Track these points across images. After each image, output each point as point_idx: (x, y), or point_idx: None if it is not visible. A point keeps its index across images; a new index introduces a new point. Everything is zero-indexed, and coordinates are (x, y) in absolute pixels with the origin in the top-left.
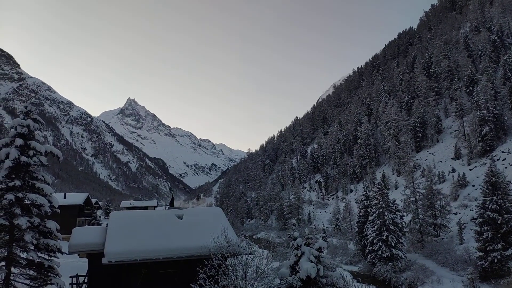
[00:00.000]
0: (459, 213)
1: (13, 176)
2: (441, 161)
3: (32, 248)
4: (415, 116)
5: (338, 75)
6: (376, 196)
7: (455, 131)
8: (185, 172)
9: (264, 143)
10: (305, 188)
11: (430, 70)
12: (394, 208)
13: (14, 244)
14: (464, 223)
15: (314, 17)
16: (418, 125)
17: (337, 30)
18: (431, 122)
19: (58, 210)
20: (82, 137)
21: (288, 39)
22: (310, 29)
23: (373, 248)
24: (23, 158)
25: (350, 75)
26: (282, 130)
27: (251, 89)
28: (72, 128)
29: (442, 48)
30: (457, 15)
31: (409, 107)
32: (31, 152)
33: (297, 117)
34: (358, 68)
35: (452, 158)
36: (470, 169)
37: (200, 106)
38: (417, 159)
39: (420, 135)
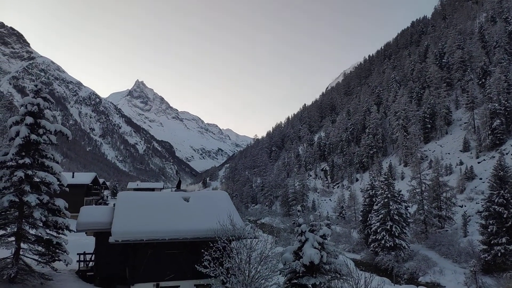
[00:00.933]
0: (465, 206)
1: (23, 153)
2: (449, 153)
3: (41, 225)
4: (425, 107)
5: (348, 62)
6: (382, 186)
7: (465, 123)
8: (192, 156)
9: (271, 129)
10: (311, 175)
11: (443, 60)
12: (399, 198)
13: (23, 221)
14: (469, 216)
15: (326, 2)
16: (428, 116)
17: (349, 17)
18: (441, 114)
19: (67, 189)
20: (90, 117)
21: (298, 25)
22: (321, 15)
23: (377, 237)
24: (33, 136)
25: (360, 63)
26: (290, 117)
27: (260, 75)
28: (80, 108)
29: (456, 38)
30: (473, 5)
31: (419, 98)
32: (41, 131)
33: (305, 104)
34: (369, 56)
35: (461, 151)
36: (478, 162)
37: (208, 91)
38: (425, 150)
39: (429, 126)
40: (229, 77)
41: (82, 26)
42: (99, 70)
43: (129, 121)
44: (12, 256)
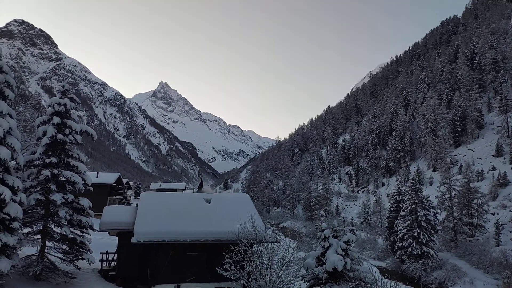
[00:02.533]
0: (497, 214)
1: (50, 153)
2: (480, 158)
3: (66, 223)
4: (455, 110)
5: (374, 63)
6: (409, 191)
7: (498, 127)
8: (214, 157)
9: (293, 131)
10: (334, 179)
11: (474, 61)
12: (427, 204)
13: (49, 219)
14: (502, 224)
15: (353, 1)
16: (458, 119)
17: (376, 17)
18: (472, 117)
19: (91, 188)
20: (115, 118)
21: (323, 24)
22: (347, 14)
23: (403, 244)
24: (60, 136)
25: (387, 63)
26: (313, 119)
27: (283, 76)
28: (105, 108)
29: (489, 38)
30: (507, 3)
31: (449, 100)
32: (67, 131)
33: (329, 105)
34: (396, 56)
35: (493, 156)
36: None
37: (231, 92)
38: (454, 155)
39: (460, 129)
40: (252, 78)
41: (108, 29)
42: (124, 71)
43: (152, 122)
44: (37, 254)
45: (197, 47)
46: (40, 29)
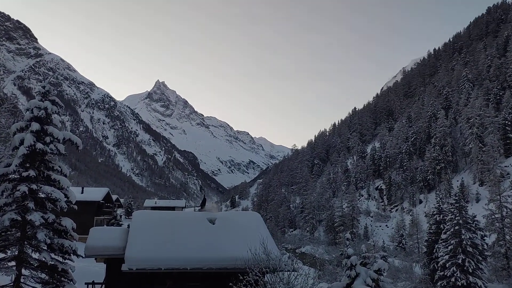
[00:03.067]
0: None
1: (28, 165)
2: None
3: (45, 248)
4: (505, 112)
5: (408, 57)
6: (452, 210)
7: None
8: (219, 169)
9: (313, 138)
10: (362, 195)
11: None
12: (473, 225)
13: (25, 243)
14: None
15: None
16: (509, 123)
17: (409, 3)
18: None
19: (75, 207)
20: (103, 123)
21: (346, 12)
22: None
23: (445, 273)
24: (39, 145)
25: (424, 58)
26: (336, 124)
27: (299, 74)
28: (92, 113)
29: None
30: None
31: (498, 101)
32: (47, 139)
33: (355, 108)
34: (434, 50)
35: None
36: None
37: (238, 94)
38: (505, 166)
39: (511, 136)
40: (262, 77)
41: (96, 22)
42: (114, 69)
43: (147, 128)
44: (11, 284)
45: (199, 43)
46: (17, 21)
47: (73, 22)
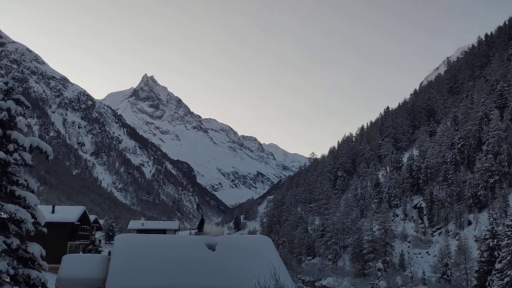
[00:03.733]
0: None
1: None
2: None
3: (8, 280)
4: None
5: (454, 45)
6: (509, 234)
7: None
8: (219, 183)
9: (335, 145)
10: (397, 215)
11: None
12: None
13: None
14: None
15: None
16: None
17: None
18: None
19: (45, 229)
20: (79, 127)
21: None
22: None
23: None
24: (1, 154)
25: (473, 46)
26: (365, 127)
27: (318, 67)
28: (66, 114)
29: None
30: None
31: None
32: (11, 146)
33: (388, 108)
34: (486, 35)
35: None
36: None
37: (243, 91)
38: None
39: None
40: (272, 71)
41: (68, 2)
42: (92, 62)
43: (132, 133)
44: None
45: (194, 30)
46: None
47: (42, 5)
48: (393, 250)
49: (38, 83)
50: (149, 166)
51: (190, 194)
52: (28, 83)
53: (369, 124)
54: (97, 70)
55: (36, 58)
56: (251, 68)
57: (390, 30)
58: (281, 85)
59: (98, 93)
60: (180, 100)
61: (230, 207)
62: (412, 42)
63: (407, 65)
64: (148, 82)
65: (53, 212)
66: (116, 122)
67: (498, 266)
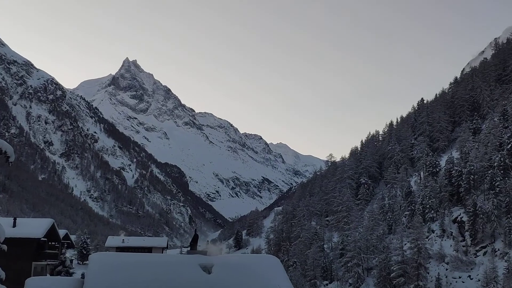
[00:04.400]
0: None
1: None
2: None
3: None
4: None
5: (502, 25)
6: None
7: None
8: (217, 191)
9: (358, 145)
10: (433, 231)
11: None
12: None
13: None
14: None
15: None
16: None
17: None
18: None
19: (4, 247)
20: (46, 123)
21: None
22: None
23: None
24: None
25: None
26: (394, 124)
27: (336, 53)
28: (30, 107)
29: None
30: None
31: None
32: None
33: (422, 100)
34: None
35: None
36: None
37: (245, 80)
38: None
39: None
40: (281, 57)
41: None
42: (62, 44)
43: (111, 130)
44: None
45: (187, 6)
46: None
47: None
48: (428, 273)
49: None
50: (131, 170)
51: (181, 204)
52: None
53: (399, 120)
54: (68, 53)
55: None
56: (255, 53)
57: (422, 5)
58: (290, 74)
59: (69, 81)
60: (169, 90)
61: (230, 220)
62: (451, 21)
63: (446, 49)
64: (130, 68)
65: (14, 225)
66: (91, 117)
67: None
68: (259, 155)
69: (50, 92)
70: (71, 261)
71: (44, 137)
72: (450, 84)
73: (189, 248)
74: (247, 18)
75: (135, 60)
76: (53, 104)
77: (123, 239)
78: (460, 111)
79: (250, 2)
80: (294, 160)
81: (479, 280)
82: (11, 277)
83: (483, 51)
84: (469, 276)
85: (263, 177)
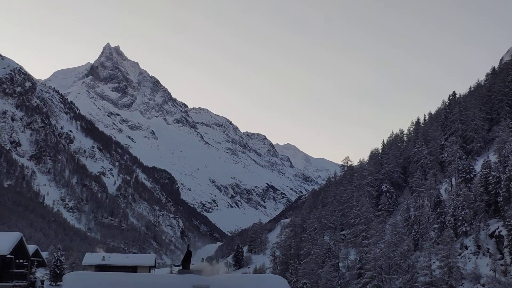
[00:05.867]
0: None
1: None
2: None
3: None
4: None
5: None
6: None
7: None
8: (213, 200)
9: (379, 147)
10: (467, 247)
11: None
12: None
13: None
14: None
15: None
16: None
17: None
18: None
19: None
20: (13, 120)
21: None
22: None
23: None
24: None
25: None
26: (421, 121)
27: (352, 40)
28: None
29: None
30: None
31: None
32: None
33: (454, 93)
34: None
35: None
36: None
37: (246, 72)
38: None
39: None
40: (289, 47)
41: None
42: (31, 28)
43: (89, 128)
44: None
45: None
46: None
47: None
48: None
49: None
50: (112, 175)
51: (172, 216)
52: None
53: (427, 117)
54: (38, 38)
55: None
56: (258, 36)
57: None
58: (301, 61)
59: (40, 71)
60: (158, 81)
61: (228, 234)
62: (488, 3)
63: (481, 34)
64: (112, 56)
65: None
66: (66, 113)
67: None
68: (263, 158)
69: (17, 83)
70: (42, 282)
71: (11, 137)
72: (487, 75)
73: (180, 267)
74: None
75: (118, 46)
76: (21, 98)
77: (103, 256)
78: (499, 107)
79: None
80: (304, 164)
81: None
82: None
83: None
84: None
85: (268, 184)
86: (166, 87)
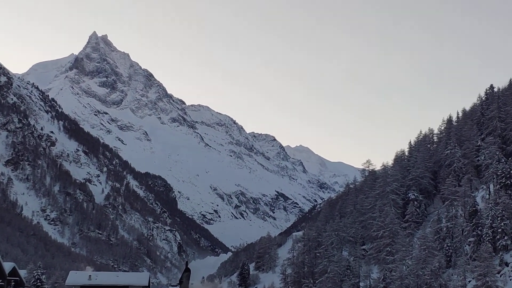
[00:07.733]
0: None
1: None
2: None
3: None
4: None
5: None
6: None
7: None
8: (215, 211)
9: (405, 149)
10: (507, 264)
11: None
12: None
13: None
14: None
15: None
16: None
17: None
18: None
19: None
20: None
21: None
22: None
23: None
24: None
25: None
26: (453, 120)
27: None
28: None
29: None
30: None
31: None
32: None
33: (491, 87)
34: None
35: None
36: None
37: (252, 67)
38: None
39: None
40: (299, 38)
41: None
42: (8, 16)
43: (73, 129)
44: None
45: None
46: None
47: None
48: None
49: None
50: (100, 183)
51: (168, 228)
52: None
53: (460, 114)
54: (15, 28)
55: None
56: (266, 22)
57: None
58: (315, 51)
59: (17, 64)
60: (151, 75)
61: (233, 249)
62: None
63: None
64: (99, 46)
65: None
66: (47, 111)
67: None
68: (271, 162)
69: None
70: None
71: None
72: None
73: (178, 287)
74: None
75: (105, 35)
76: None
77: (90, 275)
78: None
79: None
80: (319, 168)
81: None
82: None
83: None
84: None
85: (277, 192)
86: (160, 81)
